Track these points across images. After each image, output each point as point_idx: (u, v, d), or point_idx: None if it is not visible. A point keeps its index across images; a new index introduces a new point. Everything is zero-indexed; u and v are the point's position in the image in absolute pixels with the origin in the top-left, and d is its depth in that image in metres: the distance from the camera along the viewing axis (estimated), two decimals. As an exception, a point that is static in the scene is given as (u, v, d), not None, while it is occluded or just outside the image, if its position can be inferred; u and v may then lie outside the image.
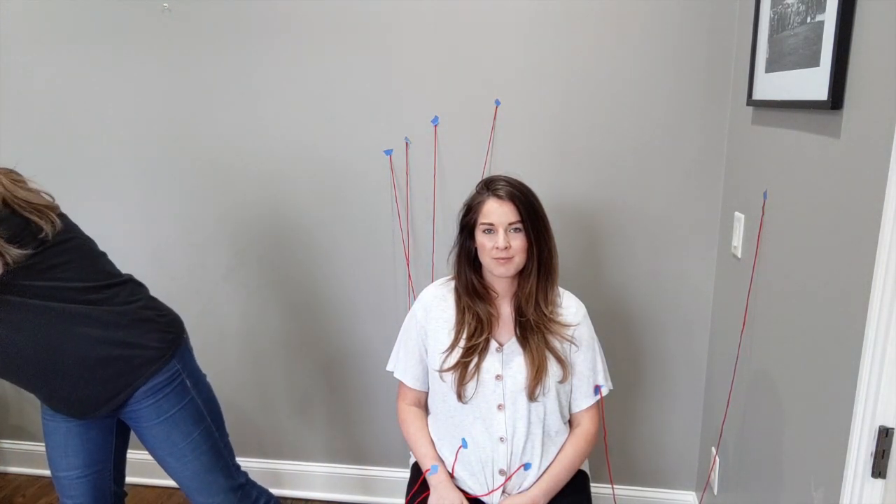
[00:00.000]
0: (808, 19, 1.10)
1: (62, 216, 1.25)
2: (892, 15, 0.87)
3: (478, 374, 1.33)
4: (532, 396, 1.32)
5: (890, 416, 0.90)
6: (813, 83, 1.08)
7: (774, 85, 1.28)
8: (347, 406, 2.09)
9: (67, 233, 1.24)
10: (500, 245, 1.27)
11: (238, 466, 1.51)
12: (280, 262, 1.98)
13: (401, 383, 1.47)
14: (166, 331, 1.36)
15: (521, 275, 1.35)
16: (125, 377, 1.30)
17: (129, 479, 1.57)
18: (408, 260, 1.89)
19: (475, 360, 1.33)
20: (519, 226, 1.29)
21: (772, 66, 1.29)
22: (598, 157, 1.74)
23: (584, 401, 1.40)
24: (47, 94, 1.93)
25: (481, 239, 1.31)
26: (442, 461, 1.38)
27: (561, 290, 1.42)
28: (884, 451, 0.91)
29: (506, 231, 1.28)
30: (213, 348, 2.05)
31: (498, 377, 1.33)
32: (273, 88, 1.83)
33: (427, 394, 1.47)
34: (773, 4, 1.28)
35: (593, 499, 1.45)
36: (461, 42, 1.71)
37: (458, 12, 1.69)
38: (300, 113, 1.83)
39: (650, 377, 1.89)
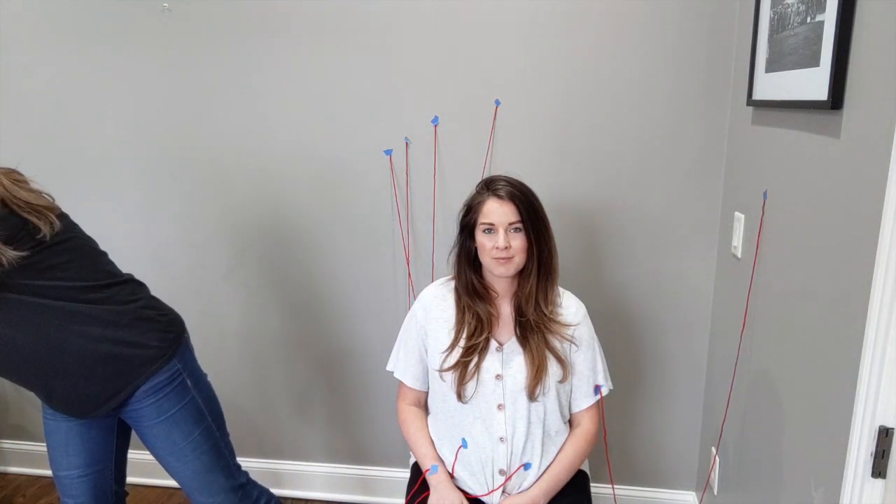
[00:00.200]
0: (808, 19, 1.10)
1: (62, 217, 1.25)
2: (892, 15, 0.87)
3: (478, 374, 1.33)
4: (532, 396, 1.32)
5: (890, 416, 0.90)
6: (813, 83, 1.08)
7: (774, 85, 1.28)
8: (347, 406, 2.09)
9: (67, 233, 1.24)
10: (501, 245, 1.27)
11: (239, 466, 1.51)
12: (280, 262, 1.98)
13: (401, 383, 1.47)
14: (167, 330, 1.36)
15: (521, 275, 1.35)
16: (125, 376, 1.30)
17: (129, 479, 1.57)
18: (408, 260, 1.89)
19: (475, 359, 1.33)
20: (519, 226, 1.29)
21: (772, 66, 1.29)
22: (598, 158, 1.74)
23: (584, 400, 1.40)
24: (47, 94, 1.93)
25: (481, 239, 1.31)
26: (442, 461, 1.38)
27: (561, 289, 1.42)
28: (884, 451, 0.91)
29: (506, 231, 1.28)
30: (213, 348, 2.05)
31: (498, 377, 1.33)
32: (273, 88, 1.83)
33: (427, 394, 1.47)
34: (773, 4, 1.28)
35: (593, 499, 1.45)
36: (461, 42, 1.71)
37: (458, 12, 1.70)
38: (300, 113, 1.84)
39: (650, 377, 1.89)
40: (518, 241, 1.29)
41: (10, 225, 1.14)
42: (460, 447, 1.36)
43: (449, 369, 1.33)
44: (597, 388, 1.40)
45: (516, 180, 1.33)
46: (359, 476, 2.14)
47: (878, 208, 0.88)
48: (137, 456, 1.62)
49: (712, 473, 1.75)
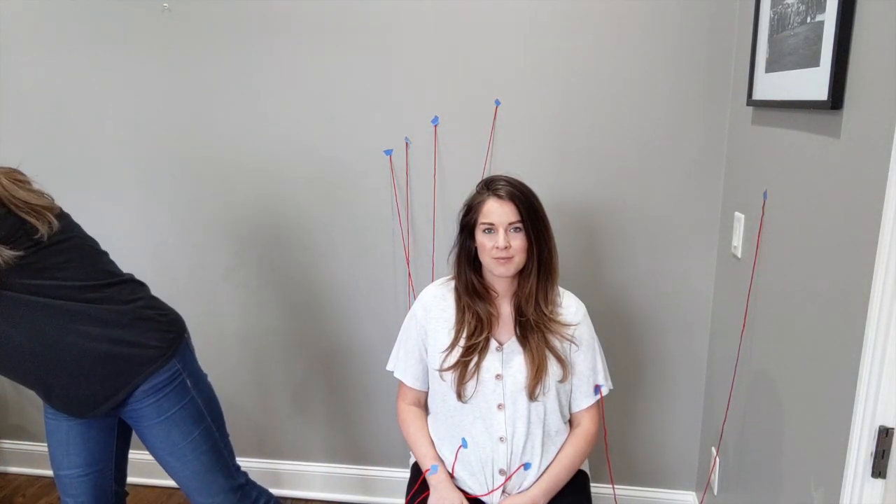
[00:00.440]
0: (808, 19, 1.10)
1: (61, 216, 1.25)
2: (892, 15, 0.87)
3: (478, 374, 1.33)
4: (532, 396, 1.32)
5: (890, 416, 0.90)
6: (813, 83, 1.08)
7: (774, 85, 1.28)
8: (347, 406, 2.09)
9: (66, 233, 1.24)
10: (501, 245, 1.27)
11: (238, 467, 1.51)
12: (280, 262, 1.98)
13: (401, 383, 1.47)
14: (167, 330, 1.36)
15: (521, 274, 1.35)
16: (125, 375, 1.30)
17: (129, 479, 1.57)
18: (408, 260, 1.89)
19: (475, 359, 1.33)
20: (519, 225, 1.29)
21: (772, 66, 1.29)
22: (598, 158, 1.74)
23: (584, 400, 1.40)
24: (47, 94, 1.93)
25: (481, 239, 1.31)
26: (442, 461, 1.38)
27: (561, 289, 1.42)
28: (884, 451, 0.91)
29: (506, 231, 1.28)
30: (213, 348, 2.05)
31: (498, 377, 1.33)
32: (273, 88, 1.83)
33: (427, 393, 1.47)
34: (773, 4, 1.28)
35: (593, 499, 1.45)
36: (461, 42, 1.71)
37: (458, 12, 1.70)
38: (300, 113, 1.84)
39: (650, 377, 1.89)
40: (518, 241, 1.29)
41: (8, 225, 1.14)
42: (460, 447, 1.36)
43: (449, 369, 1.33)
44: (597, 388, 1.40)
45: (516, 180, 1.33)
46: (359, 476, 2.14)
47: (878, 208, 0.88)
48: (137, 456, 1.62)
49: (712, 473, 1.75)
